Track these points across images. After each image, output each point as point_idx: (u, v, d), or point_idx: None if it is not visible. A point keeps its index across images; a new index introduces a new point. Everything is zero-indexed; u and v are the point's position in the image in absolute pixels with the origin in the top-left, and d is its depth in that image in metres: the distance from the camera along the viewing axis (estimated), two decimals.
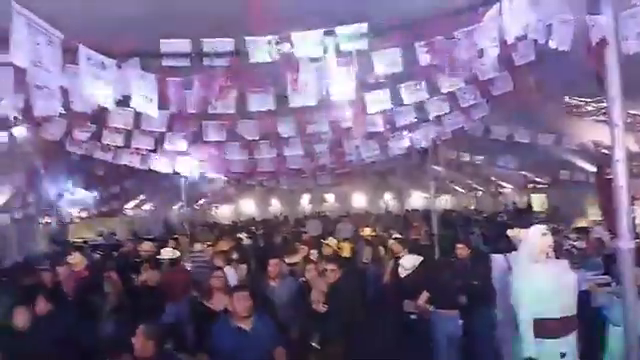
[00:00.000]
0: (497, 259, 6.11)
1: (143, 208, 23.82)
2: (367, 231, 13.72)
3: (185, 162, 9.33)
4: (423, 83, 5.87)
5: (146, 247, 9.80)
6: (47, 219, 17.65)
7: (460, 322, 6.83)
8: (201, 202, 26.32)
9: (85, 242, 16.55)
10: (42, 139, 8.67)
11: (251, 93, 5.60)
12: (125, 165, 9.10)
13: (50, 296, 5.79)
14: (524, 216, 17.67)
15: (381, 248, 10.66)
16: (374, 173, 19.75)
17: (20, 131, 8.25)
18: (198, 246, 10.88)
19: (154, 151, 8.41)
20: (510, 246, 5.47)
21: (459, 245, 7.95)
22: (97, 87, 3.73)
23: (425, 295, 6.92)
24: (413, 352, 6.93)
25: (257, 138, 7.50)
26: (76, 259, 7.95)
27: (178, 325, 6.74)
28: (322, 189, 25.82)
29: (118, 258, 10.76)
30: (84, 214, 20.19)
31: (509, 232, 5.48)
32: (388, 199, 29.97)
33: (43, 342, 4.87)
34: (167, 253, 9.02)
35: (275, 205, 30.14)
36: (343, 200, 28.97)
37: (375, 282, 9.51)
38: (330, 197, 29.48)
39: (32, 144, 9.73)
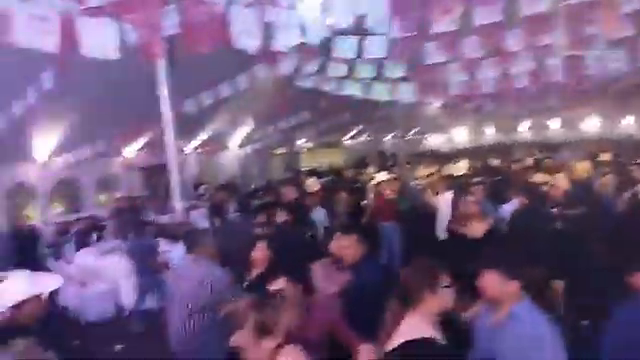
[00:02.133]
0: None
1: (359, 139, 25.12)
2: (604, 157, 12.08)
3: (403, 88, 9.33)
4: None
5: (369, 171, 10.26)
6: (281, 150, 19.96)
7: None
8: (414, 130, 26.39)
9: (313, 169, 18.28)
10: (276, 75, 9.66)
11: (478, 5, 5.20)
12: (345, 96, 9.55)
13: (290, 209, 6.56)
14: None
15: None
16: (614, 92, 16.93)
17: (257, 70, 9.26)
18: (414, 174, 11.03)
19: (374, 79, 8.59)
20: None
21: None
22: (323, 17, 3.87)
23: None
24: None
25: (480, 56, 7.03)
26: (311, 182, 8.86)
27: None
28: (549, 113, 23.26)
29: (344, 182, 11.65)
30: (309, 145, 22.31)
31: None
32: (630, 122, 25.58)
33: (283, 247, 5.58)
34: (381, 177, 9.32)
35: (489, 133, 28.58)
36: (571, 126, 25.80)
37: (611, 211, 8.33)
38: (554, 123, 26.56)
39: (267, 81, 10.93)
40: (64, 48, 3.92)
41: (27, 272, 2.91)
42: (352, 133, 23.81)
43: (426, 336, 2.43)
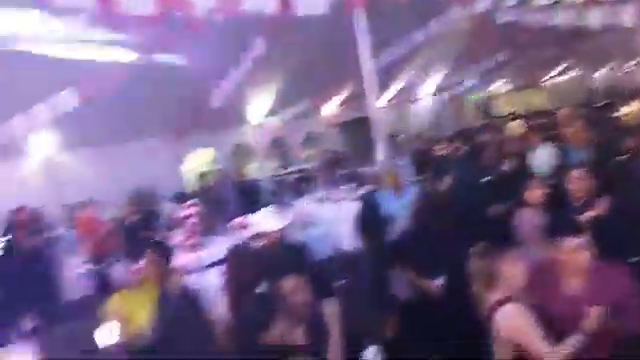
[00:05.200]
0: None
1: (563, 77, 22.28)
2: None
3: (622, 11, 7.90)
4: None
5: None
6: (477, 94, 18.86)
7: None
8: (632, 63, 22.34)
9: (512, 113, 16.93)
10: (472, 14, 9.04)
11: None
12: (551, 27, 8.49)
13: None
14: None
15: None
16: None
17: (453, 12, 8.77)
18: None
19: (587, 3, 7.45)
20: None
21: None
22: None
23: None
24: None
25: None
26: (514, 125, 8.24)
27: None
28: None
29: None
30: (505, 88, 20.64)
31: None
32: None
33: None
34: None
35: None
36: None
37: None
38: None
39: (462, 22, 10.31)
40: (279, 9, 4.21)
41: (269, 210, 3.41)
42: (558, 70, 21.23)
43: None
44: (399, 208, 4.43)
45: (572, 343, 2.19)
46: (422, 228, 3.41)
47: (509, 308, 2.27)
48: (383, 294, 4.26)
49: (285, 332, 2.17)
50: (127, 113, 8.33)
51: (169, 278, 2.98)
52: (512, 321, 2.24)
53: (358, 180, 8.04)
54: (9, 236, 5.36)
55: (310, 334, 2.32)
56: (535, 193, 3.66)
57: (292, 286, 2.36)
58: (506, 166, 5.86)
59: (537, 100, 20.99)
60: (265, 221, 3.27)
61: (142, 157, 9.51)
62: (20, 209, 6.07)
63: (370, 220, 5.23)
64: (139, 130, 9.20)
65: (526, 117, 14.38)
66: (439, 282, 3.17)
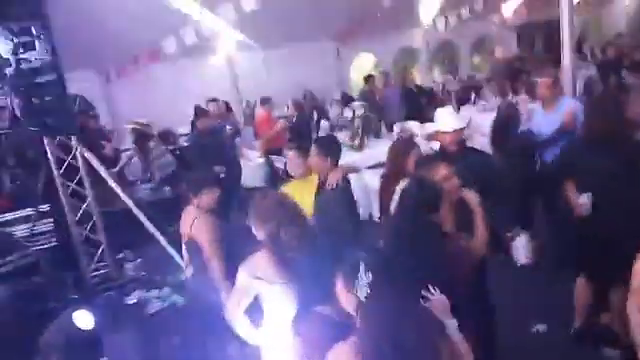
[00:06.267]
0: None
1: None
2: None
3: None
4: None
5: None
6: None
7: None
8: None
9: None
10: None
11: None
12: None
13: None
14: None
15: None
16: None
17: None
18: None
19: None
20: None
21: None
22: None
23: None
24: None
25: None
26: None
27: None
28: None
29: None
30: None
31: None
32: None
33: None
34: None
35: None
36: None
37: None
38: None
39: None
40: None
41: (451, 110, 3.39)
42: None
43: None
44: (545, 123, 3.98)
45: None
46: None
47: None
48: None
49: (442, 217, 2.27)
50: (299, 16, 8.54)
51: (331, 173, 3.18)
52: None
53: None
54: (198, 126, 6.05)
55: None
56: None
57: (444, 174, 2.48)
58: None
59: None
60: (446, 120, 3.20)
61: (313, 58, 9.83)
62: (212, 100, 6.82)
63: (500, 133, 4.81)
64: (311, 32, 9.43)
65: None
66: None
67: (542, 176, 3.88)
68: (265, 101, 7.47)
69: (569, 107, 3.94)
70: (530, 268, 4.23)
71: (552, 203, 3.69)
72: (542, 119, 4.07)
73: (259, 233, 2.23)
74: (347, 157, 4.94)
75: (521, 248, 4.29)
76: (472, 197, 2.47)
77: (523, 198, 4.25)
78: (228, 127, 6.71)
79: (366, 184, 5.37)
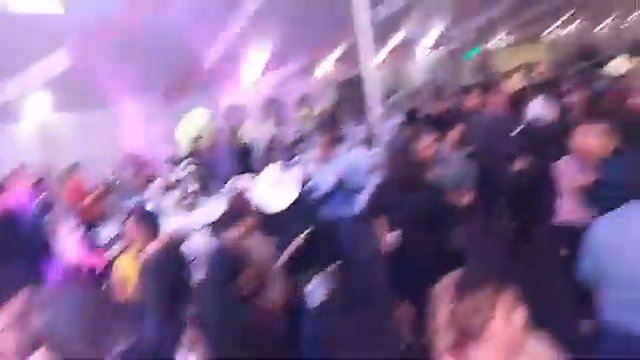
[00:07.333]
0: None
1: (566, 30, 21.77)
2: None
3: None
4: None
5: None
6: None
7: None
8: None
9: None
10: None
11: None
12: None
13: None
14: None
15: None
16: None
17: None
18: None
19: None
20: None
21: None
22: None
23: None
24: None
25: None
26: (514, 80, 8.17)
27: None
28: None
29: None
30: (504, 43, 20.17)
31: None
32: None
33: None
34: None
35: None
36: None
37: None
38: None
39: None
40: None
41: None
42: (557, 23, 20.73)
43: None
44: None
45: None
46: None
47: None
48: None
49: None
50: (118, 75, 8.20)
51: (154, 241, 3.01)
52: None
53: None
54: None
55: None
56: None
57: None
58: None
59: (537, 55, 20.57)
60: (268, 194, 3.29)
61: (136, 119, 9.42)
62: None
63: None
64: (132, 92, 9.09)
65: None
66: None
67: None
68: (72, 168, 6.93)
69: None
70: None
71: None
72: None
73: None
74: (179, 217, 4.75)
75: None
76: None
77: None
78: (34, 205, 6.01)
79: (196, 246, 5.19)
